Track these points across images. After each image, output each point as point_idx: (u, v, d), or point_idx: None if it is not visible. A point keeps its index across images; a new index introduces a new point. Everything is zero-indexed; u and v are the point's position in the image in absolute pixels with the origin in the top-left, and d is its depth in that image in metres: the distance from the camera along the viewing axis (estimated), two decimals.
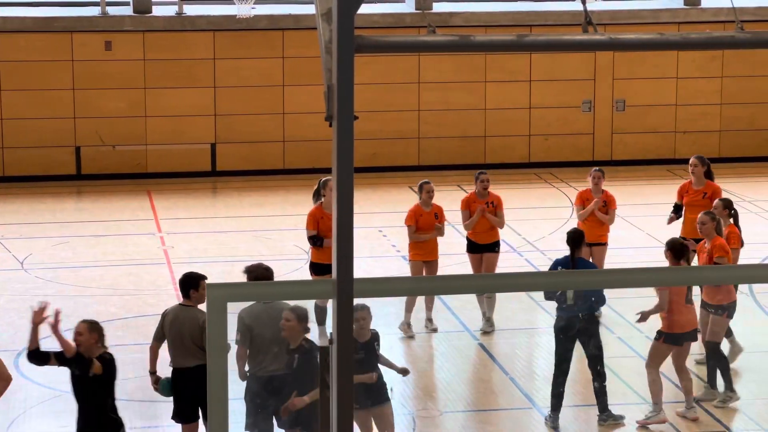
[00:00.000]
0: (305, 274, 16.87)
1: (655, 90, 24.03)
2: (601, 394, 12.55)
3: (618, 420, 12.57)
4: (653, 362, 12.55)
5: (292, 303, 10.79)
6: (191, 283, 11.12)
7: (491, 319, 15.00)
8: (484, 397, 13.53)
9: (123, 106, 22.86)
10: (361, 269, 14.46)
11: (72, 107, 22.76)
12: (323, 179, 14.21)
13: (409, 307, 14.90)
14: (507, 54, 23.10)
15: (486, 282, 6.73)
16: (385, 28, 23.01)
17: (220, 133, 23.20)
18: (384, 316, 14.96)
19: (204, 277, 11.28)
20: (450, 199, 18.29)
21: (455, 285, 6.25)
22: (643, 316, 12.61)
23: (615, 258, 17.50)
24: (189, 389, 11.04)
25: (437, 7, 23.71)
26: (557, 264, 13.01)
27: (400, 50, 5.70)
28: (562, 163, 23.60)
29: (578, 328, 12.44)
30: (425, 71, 23.47)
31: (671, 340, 12.44)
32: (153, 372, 11.27)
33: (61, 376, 13.70)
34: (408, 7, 23.71)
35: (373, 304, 15.03)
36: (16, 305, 16.10)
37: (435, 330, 15.01)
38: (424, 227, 14.81)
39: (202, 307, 10.87)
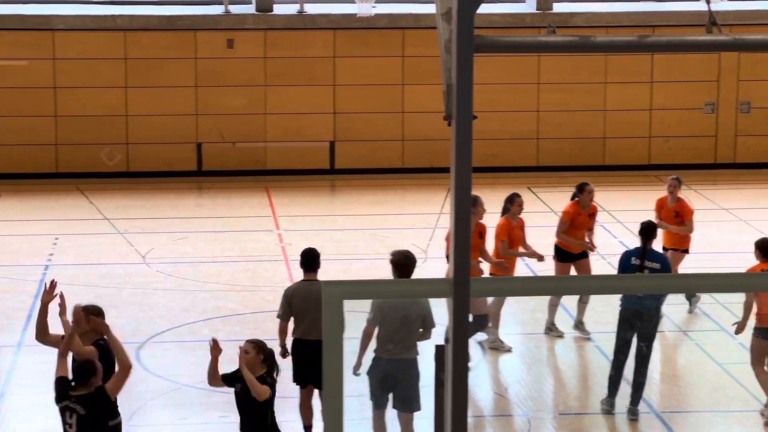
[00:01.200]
0: (422, 273, 16.88)
1: None
2: (638, 389, 12.58)
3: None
4: (753, 360, 12.52)
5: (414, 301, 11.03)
6: (319, 258, 11.92)
7: (582, 323, 14.83)
8: (598, 399, 13.40)
9: (243, 104, 23.11)
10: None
11: (194, 104, 23.08)
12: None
13: (495, 323, 14.56)
14: (628, 55, 22.83)
15: (602, 283, 6.64)
16: (504, 28, 22.91)
17: (339, 131, 23.33)
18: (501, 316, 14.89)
19: None
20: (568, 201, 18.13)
21: (575, 285, 6.20)
22: (740, 327, 12.48)
23: (736, 262, 17.20)
24: (307, 358, 11.60)
25: (558, 8, 23.54)
26: (629, 255, 13.00)
27: (519, 50, 5.67)
28: (683, 166, 23.26)
29: (637, 321, 12.47)
30: (545, 72, 23.32)
31: (762, 334, 12.33)
32: (283, 345, 11.85)
33: (181, 369, 13.94)
34: (528, 7, 23.59)
35: None
36: (138, 299, 16.38)
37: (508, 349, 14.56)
38: (513, 243, 14.40)
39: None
